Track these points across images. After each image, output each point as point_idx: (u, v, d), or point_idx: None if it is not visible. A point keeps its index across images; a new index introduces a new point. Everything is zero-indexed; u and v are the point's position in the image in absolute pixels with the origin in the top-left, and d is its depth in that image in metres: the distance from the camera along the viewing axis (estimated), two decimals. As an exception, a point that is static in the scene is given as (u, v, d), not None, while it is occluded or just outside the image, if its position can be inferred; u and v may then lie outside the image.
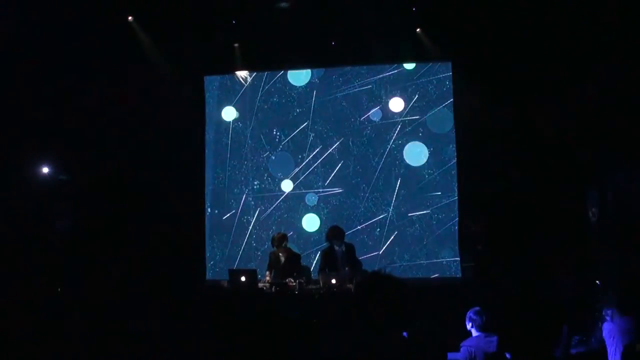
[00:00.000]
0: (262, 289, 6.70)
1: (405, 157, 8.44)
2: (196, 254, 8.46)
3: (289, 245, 7.36)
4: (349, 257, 6.99)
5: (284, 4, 7.70)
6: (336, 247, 7.02)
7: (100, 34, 7.70)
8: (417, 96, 8.42)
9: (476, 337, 4.53)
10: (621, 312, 4.64)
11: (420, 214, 8.32)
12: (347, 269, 6.80)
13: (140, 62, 8.11)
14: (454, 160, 8.23)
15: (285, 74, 8.74)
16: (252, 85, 8.82)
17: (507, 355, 4.50)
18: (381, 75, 8.53)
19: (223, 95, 8.95)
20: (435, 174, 8.32)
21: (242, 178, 8.81)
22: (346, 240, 7.19)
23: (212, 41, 8.22)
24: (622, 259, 6.58)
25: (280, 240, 7.19)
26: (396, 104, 8.47)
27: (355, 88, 8.59)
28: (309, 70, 8.66)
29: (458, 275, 7.98)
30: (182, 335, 5.90)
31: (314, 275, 7.25)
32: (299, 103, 8.70)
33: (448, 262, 8.20)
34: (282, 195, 8.68)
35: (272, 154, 8.73)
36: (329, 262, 7.00)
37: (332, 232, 7.08)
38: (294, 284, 6.65)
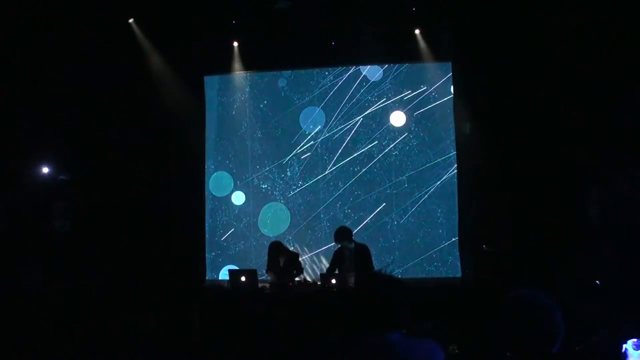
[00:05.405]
0: (262, 288, 6.70)
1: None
2: (196, 254, 8.45)
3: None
4: (359, 259, 6.87)
5: (284, 4, 7.70)
6: (345, 248, 6.99)
7: (101, 34, 7.70)
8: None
9: None
10: None
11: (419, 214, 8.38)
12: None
13: (140, 62, 8.11)
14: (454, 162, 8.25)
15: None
16: (251, 84, 8.86)
17: None
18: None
19: (223, 95, 8.97)
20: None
21: (242, 177, 8.83)
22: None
23: (211, 41, 8.22)
24: (622, 259, 6.56)
25: (276, 249, 7.09)
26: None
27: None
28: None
29: (458, 275, 7.99)
30: (182, 335, 5.91)
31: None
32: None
33: (447, 262, 8.23)
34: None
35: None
36: (337, 262, 6.99)
37: (340, 233, 7.00)
38: (294, 283, 6.66)
